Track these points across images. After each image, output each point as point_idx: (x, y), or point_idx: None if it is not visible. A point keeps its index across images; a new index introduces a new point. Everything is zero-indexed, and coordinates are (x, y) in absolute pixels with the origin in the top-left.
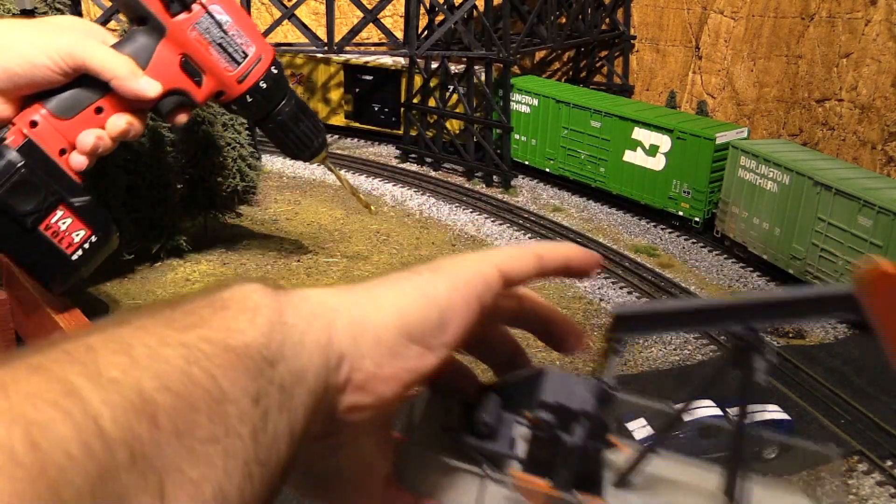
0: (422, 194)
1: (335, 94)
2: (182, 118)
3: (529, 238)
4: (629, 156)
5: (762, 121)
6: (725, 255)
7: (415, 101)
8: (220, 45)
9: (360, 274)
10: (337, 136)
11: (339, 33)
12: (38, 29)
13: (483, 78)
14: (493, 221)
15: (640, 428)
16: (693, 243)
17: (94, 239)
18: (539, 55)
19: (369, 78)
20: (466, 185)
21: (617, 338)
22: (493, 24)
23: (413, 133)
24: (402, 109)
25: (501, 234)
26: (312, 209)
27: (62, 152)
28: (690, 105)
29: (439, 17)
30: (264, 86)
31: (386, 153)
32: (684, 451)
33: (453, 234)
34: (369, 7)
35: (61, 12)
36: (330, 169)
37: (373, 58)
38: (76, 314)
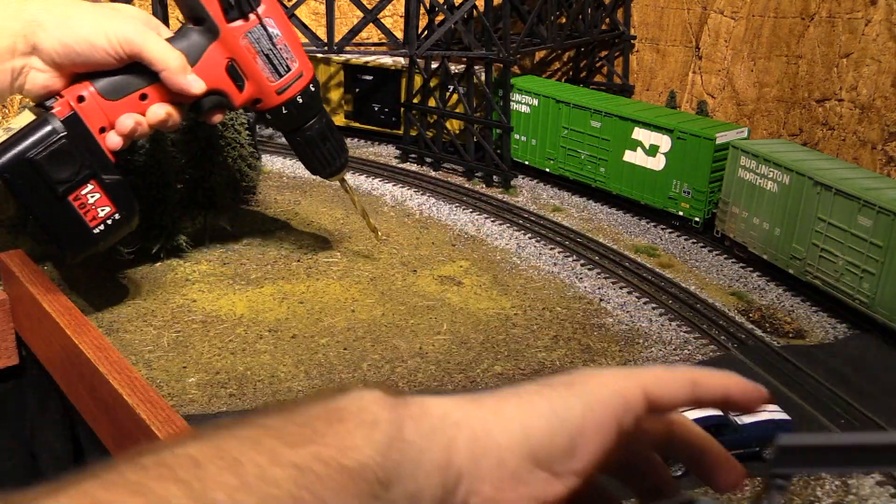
0: (422, 194)
1: (335, 94)
2: (217, 118)
3: (529, 238)
4: (629, 156)
5: (762, 121)
6: (725, 255)
7: (415, 101)
8: (267, 55)
9: (360, 274)
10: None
11: (339, 33)
12: (101, 13)
13: (483, 78)
14: (493, 221)
15: None
16: (693, 243)
17: (117, 217)
18: (539, 55)
19: (369, 78)
20: (466, 185)
21: (783, 474)
22: (493, 24)
23: (413, 133)
24: (402, 109)
25: (501, 234)
26: (312, 209)
27: (102, 130)
28: (690, 105)
29: (439, 17)
30: (300, 101)
31: (386, 153)
32: None
33: (453, 234)
34: (369, 7)
35: None
36: (346, 189)
37: (373, 58)
38: (75, 313)
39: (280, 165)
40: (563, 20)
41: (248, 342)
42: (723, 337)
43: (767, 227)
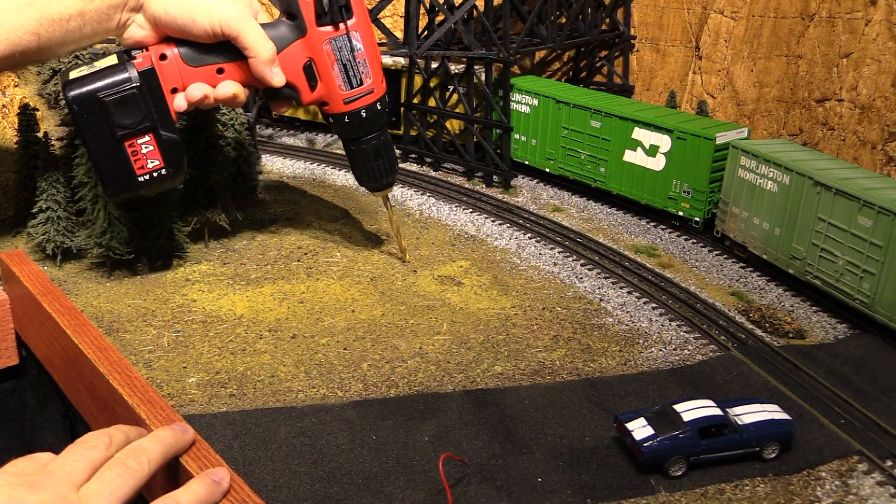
0: (422, 194)
1: None
2: (283, 109)
3: (529, 238)
4: (629, 156)
5: (762, 121)
6: (725, 255)
7: (415, 101)
8: (344, 65)
9: (360, 274)
10: (337, 136)
11: None
12: None
13: (483, 78)
14: (493, 221)
15: (640, 428)
16: (693, 243)
17: (164, 171)
18: (539, 55)
19: None
20: (466, 185)
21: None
22: (493, 24)
23: (413, 133)
24: (402, 109)
25: (501, 234)
26: (312, 209)
27: (173, 91)
28: (690, 105)
29: (439, 17)
30: (364, 115)
31: None
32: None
33: (453, 234)
34: (369, 7)
35: None
36: (386, 207)
37: None
38: (75, 313)
39: (280, 165)
40: (563, 20)
41: (248, 342)
42: (723, 337)
43: (767, 227)
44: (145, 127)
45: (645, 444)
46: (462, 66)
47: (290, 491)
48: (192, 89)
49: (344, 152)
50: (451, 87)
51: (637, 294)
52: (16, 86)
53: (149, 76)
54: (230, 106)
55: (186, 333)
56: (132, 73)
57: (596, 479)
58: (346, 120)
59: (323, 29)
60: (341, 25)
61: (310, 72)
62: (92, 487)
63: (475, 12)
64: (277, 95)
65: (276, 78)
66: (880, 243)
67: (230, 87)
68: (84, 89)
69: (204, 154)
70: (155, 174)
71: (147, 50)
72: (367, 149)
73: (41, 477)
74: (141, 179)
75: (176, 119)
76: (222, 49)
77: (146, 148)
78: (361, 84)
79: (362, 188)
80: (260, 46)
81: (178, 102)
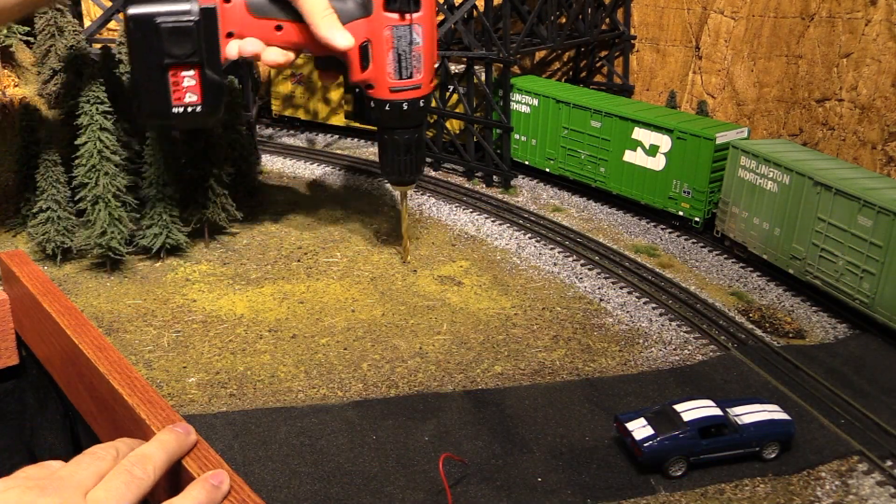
0: (422, 194)
1: (335, 94)
2: (330, 81)
3: (529, 238)
4: (629, 156)
5: (762, 121)
6: (725, 255)
7: None
8: (399, 54)
9: (360, 274)
10: (337, 136)
11: None
12: None
13: (483, 78)
14: (493, 221)
15: (640, 428)
16: (693, 243)
17: (199, 109)
18: (539, 55)
19: None
20: (466, 185)
21: None
22: (493, 24)
23: None
24: None
25: (501, 234)
26: (312, 209)
27: (229, 35)
28: (690, 105)
29: (439, 17)
30: (405, 108)
31: None
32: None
33: (453, 234)
34: None
35: (61, 12)
36: (402, 205)
37: None
38: (75, 313)
39: (280, 165)
40: (563, 20)
41: (248, 342)
42: (723, 337)
43: (767, 227)
44: (192, 61)
45: (645, 444)
46: (462, 66)
47: (290, 491)
48: (247, 43)
49: (344, 152)
50: (452, 87)
51: (637, 294)
52: (16, 86)
53: (209, 14)
54: (277, 67)
55: (186, 333)
56: (194, 6)
57: (596, 479)
58: (386, 108)
59: (389, 14)
60: (407, 16)
61: (365, 52)
62: (98, 494)
63: (475, 12)
64: (328, 66)
65: (340, 40)
66: (880, 243)
67: (277, 56)
68: (144, 10)
69: (204, 154)
70: (189, 109)
71: None
72: (399, 141)
73: (51, 482)
74: (175, 110)
75: (224, 61)
76: (286, 7)
77: (188, 82)
78: (411, 77)
79: (362, 188)
80: (316, 12)
81: (231, 50)
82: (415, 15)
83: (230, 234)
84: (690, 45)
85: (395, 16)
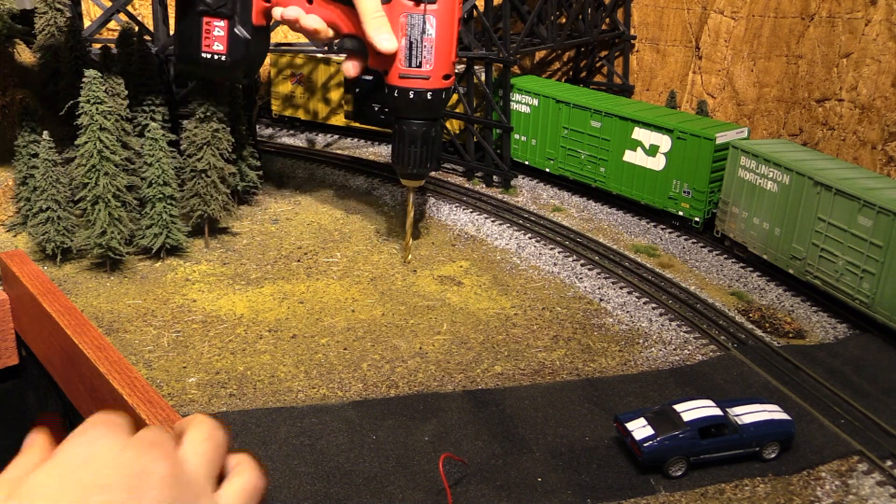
0: (422, 194)
1: (335, 94)
2: (352, 67)
3: (529, 238)
4: (629, 156)
5: (762, 121)
6: (725, 255)
7: None
8: (411, 42)
9: (360, 274)
10: (337, 136)
11: None
12: None
13: (483, 78)
14: (493, 221)
15: (640, 428)
16: (693, 243)
17: (223, 58)
18: (539, 55)
19: (369, 78)
20: (466, 185)
21: None
22: (493, 24)
23: None
24: None
25: (501, 234)
26: (312, 209)
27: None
28: (690, 105)
29: None
30: (412, 97)
31: (386, 153)
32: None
33: (453, 234)
34: None
35: (61, 12)
36: (408, 201)
37: None
38: (75, 313)
39: (280, 165)
40: (563, 20)
41: (248, 342)
42: (723, 337)
43: (767, 227)
44: (223, 13)
45: (645, 444)
46: (462, 66)
47: (290, 491)
48: (290, 9)
49: (344, 152)
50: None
51: (637, 294)
52: (16, 86)
53: None
54: (314, 39)
55: (186, 333)
56: None
57: (596, 479)
58: (395, 94)
59: (405, 1)
60: (422, 5)
61: None
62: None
63: (475, 12)
64: (350, 48)
65: (386, 43)
66: (880, 243)
67: (316, 23)
68: None
69: (204, 154)
70: (215, 57)
71: None
72: (407, 131)
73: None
74: (203, 56)
75: (255, 22)
76: None
77: (217, 32)
78: (420, 67)
79: (362, 188)
80: (371, 12)
81: (275, 11)
82: (430, 7)
83: (230, 234)
84: (690, 45)
85: (411, 3)
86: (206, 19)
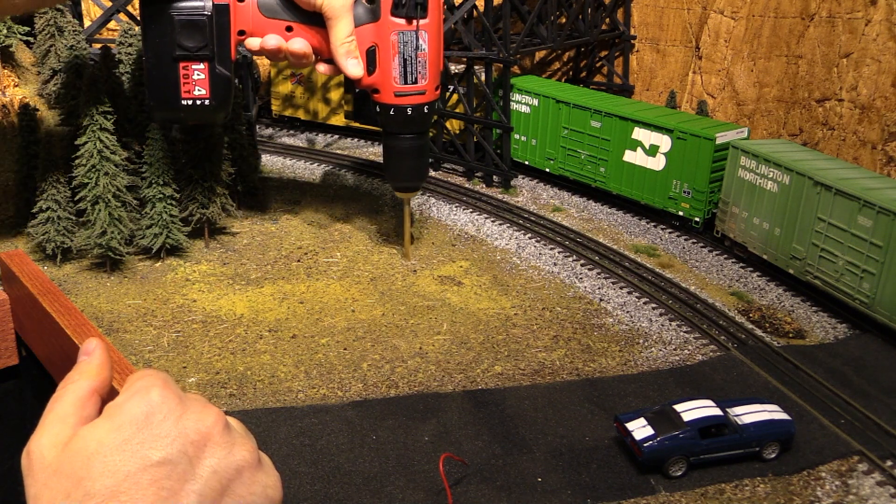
0: (422, 194)
1: (335, 95)
2: (325, 69)
3: (529, 238)
4: (629, 156)
5: (762, 121)
6: (725, 255)
7: None
8: (404, 59)
9: (360, 274)
10: (337, 136)
11: None
12: None
13: (483, 78)
14: (493, 221)
15: (640, 428)
16: (693, 243)
17: (207, 102)
18: (539, 55)
19: None
20: (466, 185)
21: None
22: (493, 24)
23: None
24: None
25: (501, 234)
26: (312, 209)
27: (241, 33)
28: (690, 105)
29: None
30: (409, 112)
31: None
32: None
33: (453, 234)
34: None
35: (61, 12)
36: (406, 211)
37: None
38: (75, 313)
39: (280, 165)
40: (563, 20)
41: (248, 342)
42: (723, 337)
43: (767, 227)
44: (203, 55)
45: (645, 444)
46: (462, 66)
47: (290, 491)
48: (269, 39)
49: (344, 152)
50: (451, 87)
51: (637, 294)
52: (16, 86)
53: (222, 11)
54: (298, 63)
55: (186, 333)
56: (208, 3)
57: (596, 479)
58: (391, 112)
59: (395, 20)
60: (414, 22)
61: (371, 57)
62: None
63: (475, 12)
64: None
65: (352, 69)
66: (880, 243)
67: (301, 45)
68: (160, 2)
69: (204, 154)
70: (198, 102)
71: None
72: (402, 147)
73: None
74: (183, 103)
75: (234, 58)
76: (298, 10)
77: (197, 75)
78: (416, 83)
79: (362, 188)
80: (342, 41)
81: (252, 44)
82: (421, 22)
83: (230, 234)
84: (690, 45)
85: (402, 21)
86: (182, 65)
